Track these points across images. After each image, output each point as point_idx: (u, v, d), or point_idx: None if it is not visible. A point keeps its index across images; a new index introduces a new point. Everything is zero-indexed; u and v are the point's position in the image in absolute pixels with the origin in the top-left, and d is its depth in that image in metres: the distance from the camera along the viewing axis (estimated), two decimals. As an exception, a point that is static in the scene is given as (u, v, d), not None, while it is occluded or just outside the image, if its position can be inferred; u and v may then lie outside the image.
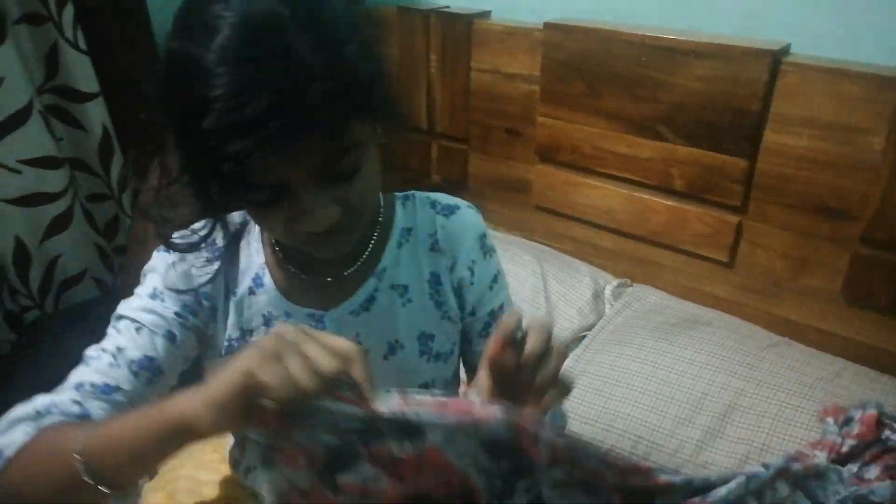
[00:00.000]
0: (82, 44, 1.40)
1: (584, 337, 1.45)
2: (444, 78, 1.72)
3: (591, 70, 1.43)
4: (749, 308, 1.44)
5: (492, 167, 1.76)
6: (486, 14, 1.65)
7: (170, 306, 0.71)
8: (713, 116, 1.31)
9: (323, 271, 0.74)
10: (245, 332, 0.75)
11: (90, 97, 1.46)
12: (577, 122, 1.50)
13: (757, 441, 1.14)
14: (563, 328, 1.47)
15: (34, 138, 1.39)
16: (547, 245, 1.72)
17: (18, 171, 1.40)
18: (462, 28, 1.62)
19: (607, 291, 1.55)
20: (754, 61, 1.23)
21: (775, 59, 1.22)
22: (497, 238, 1.70)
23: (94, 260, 1.60)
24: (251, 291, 0.75)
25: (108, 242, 1.64)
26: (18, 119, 1.36)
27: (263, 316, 0.75)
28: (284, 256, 0.74)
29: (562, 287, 1.54)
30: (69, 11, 1.37)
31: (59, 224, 1.50)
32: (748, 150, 1.30)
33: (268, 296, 0.74)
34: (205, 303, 0.74)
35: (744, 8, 1.34)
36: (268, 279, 0.75)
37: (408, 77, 1.79)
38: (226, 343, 0.76)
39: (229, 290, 0.75)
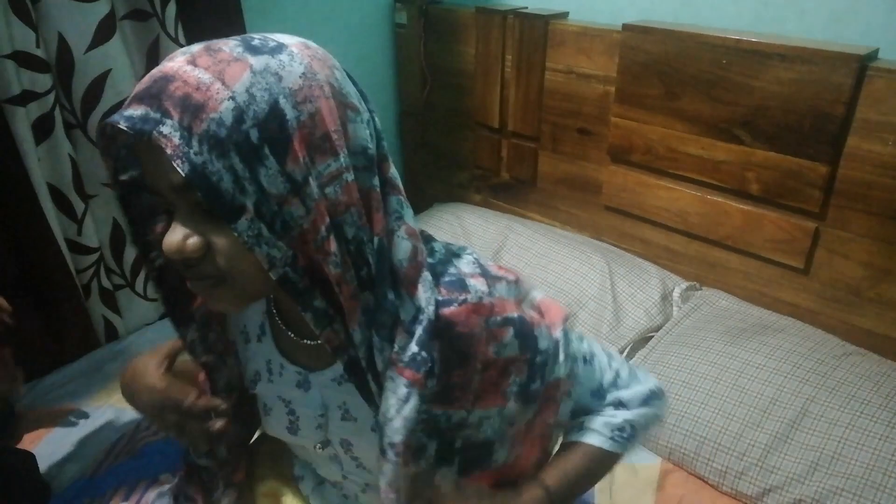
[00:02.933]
0: (182, 39, 1.49)
1: (650, 338, 1.46)
2: (518, 77, 1.75)
3: (669, 72, 1.44)
4: (824, 316, 1.41)
5: (562, 166, 1.78)
6: (563, 15, 1.67)
7: None
8: (795, 120, 1.30)
9: (309, 334, 0.73)
10: (257, 375, 0.79)
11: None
12: (652, 124, 1.51)
13: (828, 449, 1.13)
14: (630, 328, 1.48)
15: (135, 127, 1.49)
16: (615, 245, 1.73)
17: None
18: (539, 28, 1.65)
19: (676, 294, 1.55)
20: (840, 65, 1.22)
21: (862, 64, 1.20)
22: (565, 237, 1.73)
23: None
24: (258, 338, 0.79)
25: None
26: (123, 108, 1.46)
27: (267, 363, 0.78)
28: (278, 311, 0.75)
29: (630, 288, 1.55)
30: (172, 8, 1.46)
31: (152, 209, 1.60)
32: (830, 155, 1.28)
33: (269, 346, 0.78)
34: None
35: (829, 11, 1.33)
36: (268, 329, 0.78)
37: (483, 76, 1.83)
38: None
39: (248, 332, 0.79)
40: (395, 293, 0.62)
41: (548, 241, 1.70)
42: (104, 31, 1.38)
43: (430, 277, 0.64)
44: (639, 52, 1.48)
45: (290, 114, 0.55)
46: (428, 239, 0.71)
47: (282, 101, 0.54)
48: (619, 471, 1.24)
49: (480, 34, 1.79)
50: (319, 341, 0.67)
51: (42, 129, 1.36)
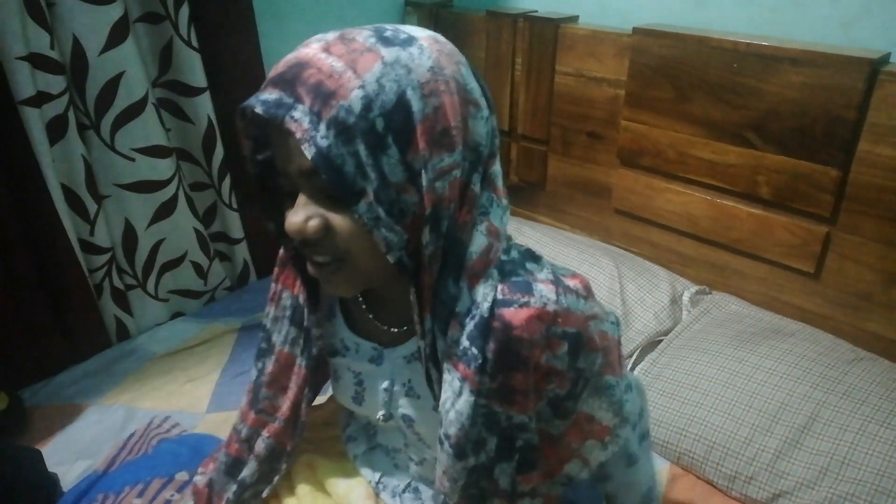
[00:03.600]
0: (195, 42, 1.51)
1: (659, 342, 1.46)
2: (528, 80, 1.75)
3: (679, 75, 1.44)
4: (835, 321, 1.41)
5: (571, 169, 1.78)
6: (573, 18, 1.67)
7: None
8: (805, 124, 1.30)
9: (390, 321, 0.78)
10: (332, 348, 0.83)
11: (198, 91, 1.56)
12: (662, 127, 1.51)
13: (838, 454, 1.13)
14: (639, 332, 1.48)
15: (148, 129, 1.50)
16: (625, 249, 1.73)
17: (133, 159, 1.51)
18: (549, 32, 1.65)
19: (685, 298, 1.55)
20: (852, 69, 1.21)
21: (874, 68, 1.20)
22: (574, 240, 1.73)
23: (192, 245, 1.71)
24: (328, 318, 0.83)
25: (206, 228, 1.75)
26: (135, 110, 1.47)
27: (341, 340, 0.82)
28: (364, 297, 0.79)
29: (639, 291, 1.55)
30: (185, 11, 1.47)
31: (164, 210, 1.61)
32: (841, 159, 1.28)
33: (340, 326, 0.82)
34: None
35: (841, 15, 1.32)
36: (337, 311, 0.82)
37: (493, 79, 1.83)
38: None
39: (318, 310, 0.81)
40: (456, 285, 0.63)
41: (557, 244, 1.70)
42: (118, 34, 1.39)
43: (496, 275, 0.64)
44: (649, 56, 1.48)
45: (415, 106, 0.57)
46: (509, 242, 0.71)
47: (409, 92, 0.57)
48: (628, 474, 1.24)
49: (490, 37, 1.80)
50: (395, 329, 0.75)
51: (56, 130, 1.38)
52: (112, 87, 1.43)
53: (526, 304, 0.63)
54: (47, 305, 1.48)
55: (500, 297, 0.63)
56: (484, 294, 0.63)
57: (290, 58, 0.59)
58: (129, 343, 1.64)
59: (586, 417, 0.72)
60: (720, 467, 1.20)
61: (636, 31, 1.49)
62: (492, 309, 0.63)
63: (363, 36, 0.59)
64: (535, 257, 0.70)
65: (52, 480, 1.19)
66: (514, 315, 0.63)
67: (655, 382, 1.34)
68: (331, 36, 0.60)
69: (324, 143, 0.55)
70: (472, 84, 0.63)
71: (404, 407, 0.79)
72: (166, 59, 1.53)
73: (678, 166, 1.52)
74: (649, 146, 1.55)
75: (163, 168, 1.56)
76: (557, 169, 1.81)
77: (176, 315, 1.77)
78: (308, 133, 0.55)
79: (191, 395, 1.44)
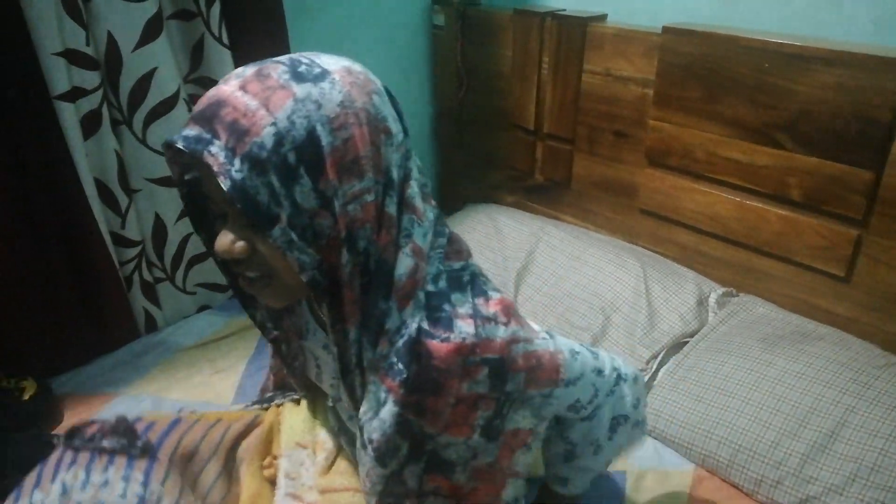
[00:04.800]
0: (225, 39, 1.52)
1: (685, 343, 1.44)
2: (555, 79, 1.75)
3: (709, 75, 1.42)
4: (865, 325, 1.38)
5: (597, 169, 1.77)
6: (601, 17, 1.66)
7: None
8: (838, 126, 1.28)
9: None
10: (301, 329, 0.92)
11: (229, 88, 1.58)
12: (690, 127, 1.50)
13: (867, 460, 1.11)
14: (665, 333, 1.47)
15: (178, 124, 1.52)
16: (651, 249, 1.71)
17: (163, 154, 1.53)
18: (577, 30, 1.65)
19: (712, 299, 1.54)
20: (886, 70, 1.19)
21: (910, 69, 1.18)
22: (599, 240, 1.72)
23: (220, 239, 1.73)
24: (306, 337, 0.91)
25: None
26: (167, 106, 1.49)
27: (306, 322, 0.90)
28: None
29: (665, 292, 1.53)
30: (216, 8, 1.49)
31: (192, 204, 1.64)
32: (875, 161, 1.26)
33: (306, 310, 0.89)
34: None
35: (875, 14, 1.30)
36: (304, 300, 0.89)
37: (519, 78, 1.83)
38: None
39: (301, 331, 0.92)
40: (386, 303, 0.68)
41: (581, 244, 1.70)
42: (151, 30, 1.42)
43: (422, 298, 0.70)
44: (678, 55, 1.46)
45: (325, 139, 0.62)
46: (441, 264, 0.74)
47: (318, 128, 0.62)
48: (650, 475, 1.24)
49: (518, 36, 1.79)
50: None
51: (90, 124, 1.40)
52: (145, 83, 1.45)
53: (447, 340, 0.68)
54: (79, 296, 1.51)
55: (425, 327, 0.69)
56: (412, 316, 0.69)
57: (210, 94, 0.64)
58: (157, 335, 1.67)
59: (512, 433, 0.77)
60: (746, 470, 1.19)
61: (666, 29, 1.48)
62: (419, 333, 0.68)
63: (278, 72, 0.63)
64: (461, 286, 0.73)
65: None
66: (437, 347, 0.68)
67: (680, 384, 1.33)
68: (249, 72, 0.64)
69: (238, 175, 0.60)
70: (385, 112, 0.67)
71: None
72: (197, 56, 1.55)
73: (706, 166, 1.50)
74: (677, 146, 1.54)
75: (192, 163, 1.58)
76: (583, 168, 1.80)
77: (202, 308, 1.79)
78: (224, 167, 0.60)
79: (216, 386, 1.46)
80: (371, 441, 0.72)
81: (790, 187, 1.39)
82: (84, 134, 1.39)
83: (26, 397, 1.32)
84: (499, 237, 1.80)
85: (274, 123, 0.60)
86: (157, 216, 1.61)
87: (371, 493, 0.77)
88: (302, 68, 0.64)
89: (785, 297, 1.50)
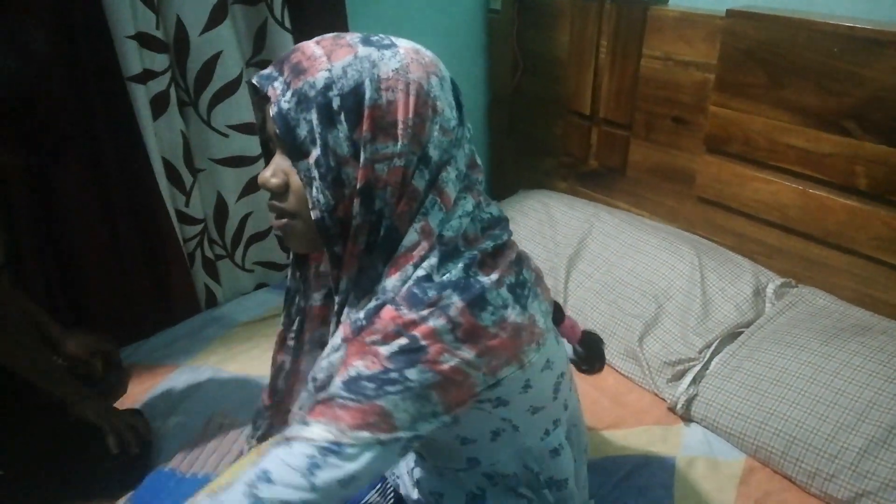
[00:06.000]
0: (287, 23, 1.56)
1: (740, 333, 1.42)
2: (612, 64, 1.73)
3: (774, 60, 1.39)
4: (932, 320, 1.34)
5: (653, 155, 1.75)
6: (663, 1, 1.63)
7: None
8: (911, 113, 1.23)
9: None
10: None
11: (289, 71, 1.62)
12: (753, 113, 1.46)
13: (930, 458, 1.08)
14: (719, 322, 1.44)
15: (241, 107, 1.57)
16: (707, 238, 1.69)
17: (226, 135, 1.59)
18: (637, 14, 1.62)
19: (769, 290, 1.50)
20: (966, 54, 1.14)
21: None
22: (654, 227, 1.70)
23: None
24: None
25: (289, 204, 1.82)
26: (230, 89, 1.54)
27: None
28: None
29: (721, 282, 1.51)
30: (280, -7, 1.53)
31: (252, 185, 1.68)
32: (949, 150, 1.21)
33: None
34: None
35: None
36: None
37: (576, 63, 1.82)
38: None
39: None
40: (382, 268, 0.71)
41: (636, 231, 1.68)
42: (217, 15, 1.46)
43: (412, 274, 0.70)
44: (742, 39, 1.43)
45: (369, 94, 0.67)
46: (483, 263, 0.73)
47: (367, 83, 0.67)
48: (699, 464, 1.23)
49: (575, 20, 1.78)
50: None
51: (159, 105, 1.46)
52: (210, 66, 1.50)
53: (400, 310, 0.68)
54: (147, 271, 1.58)
55: (398, 298, 0.69)
56: (393, 286, 0.70)
57: (294, 46, 0.72)
58: (217, 310, 1.74)
59: (377, 409, 0.68)
60: (800, 463, 1.17)
61: (730, 13, 1.44)
62: (390, 302, 0.69)
63: (351, 35, 0.71)
64: (463, 289, 0.69)
65: (149, 442, 1.27)
66: (388, 311, 0.68)
67: (734, 374, 1.32)
68: (329, 35, 0.72)
69: (285, 106, 0.67)
70: (438, 93, 0.71)
71: None
72: (260, 40, 1.59)
73: (768, 154, 1.47)
74: (738, 133, 1.50)
75: (253, 145, 1.63)
76: (639, 154, 1.78)
77: (260, 286, 1.85)
78: (277, 97, 0.67)
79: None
80: (315, 380, 0.75)
81: (857, 176, 1.34)
82: (153, 115, 1.45)
83: (100, 370, 1.39)
84: (551, 223, 1.80)
85: (329, 70, 0.67)
86: (220, 195, 1.67)
87: (299, 421, 0.73)
88: (375, 38, 0.71)
89: (846, 289, 1.46)
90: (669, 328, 1.47)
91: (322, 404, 0.69)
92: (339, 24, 1.63)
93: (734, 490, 1.18)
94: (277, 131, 0.68)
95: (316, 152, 0.67)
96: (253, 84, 0.72)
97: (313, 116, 0.67)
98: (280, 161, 0.73)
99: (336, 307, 0.75)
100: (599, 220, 1.75)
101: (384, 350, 0.67)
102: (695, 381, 1.36)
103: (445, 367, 0.67)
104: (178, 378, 1.48)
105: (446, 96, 0.72)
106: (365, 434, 0.66)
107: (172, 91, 1.47)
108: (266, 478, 0.66)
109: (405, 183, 0.69)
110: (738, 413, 1.26)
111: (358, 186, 0.68)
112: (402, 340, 0.67)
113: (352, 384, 0.68)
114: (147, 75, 1.41)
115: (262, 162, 1.66)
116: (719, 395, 1.30)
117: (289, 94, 0.67)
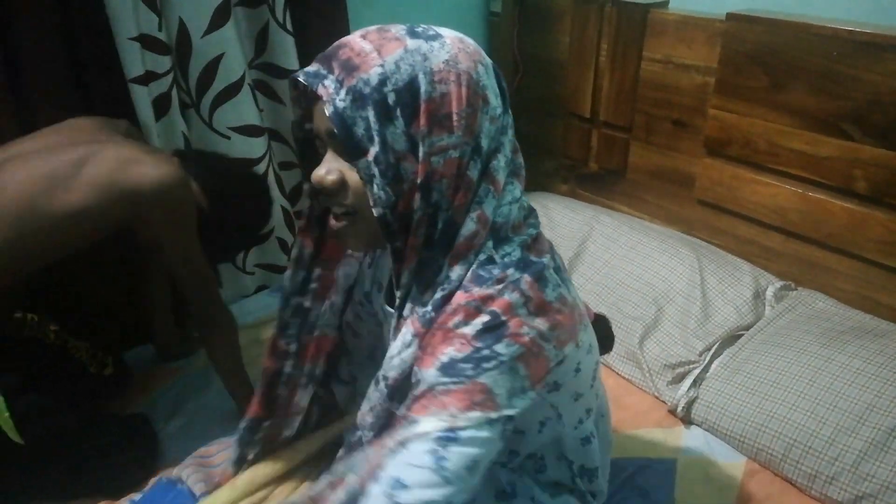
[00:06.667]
0: (289, 25, 1.56)
1: (740, 336, 1.43)
2: (613, 66, 1.73)
3: (774, 63, 1.39)
4: (931, 323, 1.34)
5: (653, 158, 1.75)
6: (663, 3, 1.64)
7: None
8: (910, 116, 1.24)
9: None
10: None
11: (291, 74, 1.62)
12: (753, 116, 1.47)
13: (929, 461, 1.08)
14: (719, 325, 1.45)
15: (243, 109, 1.57)
16: (707, 241, 1.69)
17: (228, 137, 1.59)
18: (638, 17, 1.63)
19: (769, 293, 1.51)
20: (966, 59, 1.15)
21: None
22: (654, 230, 1.71)
23: (279, 221, 1.78)
24: (378, 290, 0.96)
25: (292, 206, 1.82)
26: (232, 91, 1.54)
27: (382, 310, 0.93)
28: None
29: (720, 284, 1.51)
30: (281, -5, 1.53)
31: (253, 186, 1.68)
32: (948, 154, 1.21)
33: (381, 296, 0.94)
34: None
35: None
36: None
37: (576, 65, 1.82)
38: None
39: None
40: (442, 260, 0.72)
41: (636, 234, 1.69)
42: (219, 17, 1.46)
43: (472, 259, 0.71)
44: (743, 43, 1.44)
45: (424, 88, 0.67)
46: (530, 247, 0.75)
47: (420, 77, 0.67)
48: (700, 466, 1.23)
49: (576, 22, 1.78)
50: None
51: (160, 107, 1.46)
52: (212, 68, 1.50)
53: (470, 291, 0.70)
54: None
55: (465, 282, 0.71)
56: (459, 275, 0.71)
57: (336, 42, 0.71)
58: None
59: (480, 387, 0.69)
60: (800, 465, 1.17)
61: (730, 16, 1.45)
62: (457, 287, 0.71)
63: (396, 28, 0.71)
64: (524, 266, 0.72)
65: (153, 446, 1.28)
66: (459, 296, 0.71)
67: (734, 377, 1.32)
68: (371, 27, 0.71)
69: (341, 105, 0.67)
70: (486, 82, 0.71)
71: None
72: (262, 42, 1.59)
73: (768, 157, 1.47)
74: (738, 136, 1.51)
75: (255, 147, 1.63)
76: (639, 157, 1.78)
77: (260, 288, 1.85)
78: (331, 96, 0.67)
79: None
80: (386, 378, 0.76)
81: (856, 179, 1.35)
82: (155, 116, 1.45)
83: (107, 372, 1.38)
84: (551, 225, 1.80)
85: (382, 65, 0.67)
86: (221, 197, 1.67)
87: (363, 426, 0.80)
88: (419, 29, 0.71)
89: (846, 292, 1.46)
90: (669, 331, 1.47)
91: (422, 398, 0.69)
92: (340, 26, 1.64)
93: (734, 492, 1.19)
94: (336, 130, 0.67)
95: (374, 149, 0.67)
96: (296, 82, 0.71)
97: (370, 113, 0.66)
98: (332, 159, 0.72)
99: (398, 301, 0.75)
100: (599, 222, 1.76)
101: (468, 331, 0.68)
102: (695, 383, 1.36)
103: (526, 339, 0.69)
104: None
105: (492, 84, 0.72)
106: (476, 413, 0.67)
107: (174, 93, 1.47)
108: (400, 485, 0.65)
109: (460, 174, 0.70)
110: (738, 416, 1.26)
111: (418, 181, 0.68)
112: (484, 318, 0.68)
113: (448, 369, 0.68)
114: (149, 77, 1.41)
115: (263, 163, 1.66)
116: (719, 398, 1.30)
117: (343, 92, 0.66)
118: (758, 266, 1.58)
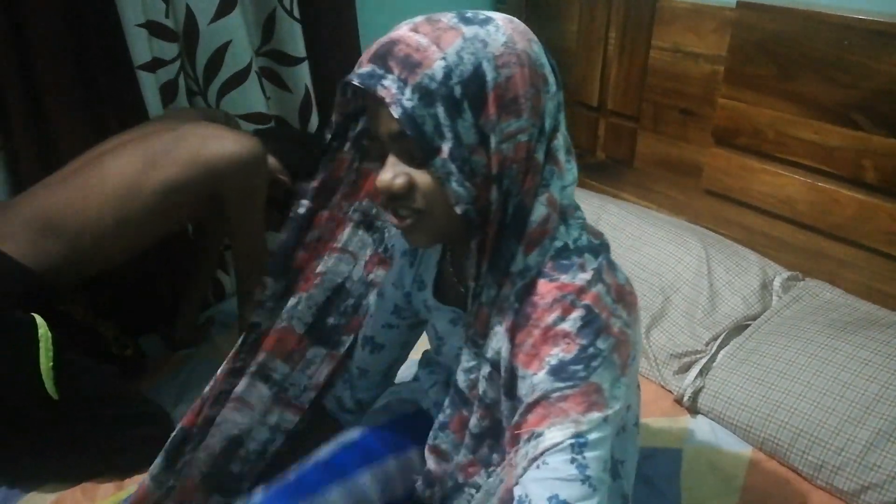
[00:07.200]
0: (297, 12, 1.56)
1: (747, 326, 1.42)
2: (621, 55, 1.72)
3: (784, 52, 1.38)
4: (939, 314, 1.34)
5: (661, 147, 1.74)
6: (672, -8, 1.63)
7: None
8: (921, 106, 1.23)
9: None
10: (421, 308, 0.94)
11: (298, 61, 1.61)
12: (762, 106, 1.46)
13: (936, 451, 1.08)
14: (726, 315, 1.45)
15: (250, 96, 1.57)
16: (714, 231, 1.69)
17: (242, 124, 1.59)
18: (647, 5, 1.62)
19: (776, 283, 1.50)
20: (978, 48, 1.14)
21: None
22: (661, 219, 1.70)
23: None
24: (420, 288, 0.93)
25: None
26: (240, 78, 1.54)
27: (426, 306, 0.92)
28: (452, 257, 0.87)
29: (727, 274, 1.51)
30: (289, -19, 1.53)
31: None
32: (959, 144, 1.21)
33: (427, 294, 0.91)
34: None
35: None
36: (427, 282, 0.91)
37: (584, 54, 1.81)
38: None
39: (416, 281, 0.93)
40: (516, 247, 0.70)
41: (643, 223, 1.68)
42: (227, 4, 1.46)
43: (548, 246, 0.71)
44: (752, 31, 1.43)
45: (489, 75, 0.65)
46: (582, 227, 0.75)
47: (485, 64, 0.65)
48: (706, 456, 1.24)
49: (584, 10, 1.77)
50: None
51: (167, 94, 1.46)
52: (220, 55, 1.50)
53: (556, 280, 0.70)
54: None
55: (546, 269, 0.70)
56: (537, 262, 0.70)
57: (383, 38, 0.67)
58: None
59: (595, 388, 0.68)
60: (806, 455, 1.17)
61: (740, 4, 1.44)
62: (538, 275, 0.70)
63: (447, 17, 0.67)
64: (595, 251, 0.73)
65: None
66: (543, 284, 0.70)
67: (741, 367, 1.32)
68: (419, 19, 0.68)
69: (408, 104, 0.63)
70: (543, 60, 0.69)
71: None
72: (269, 29, 1.59)
73: (777, 147, 1.47)
74: (747, 125, 1.50)
75: (262, 134, 1.63)
76: (647, 146, 1.78)
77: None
78: (395, 97, 0.63)
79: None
80: (472, 376, 0.77)
81: (866, 170, 1.34)
82: (162, 103, 1.45)
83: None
84: (558, 214, 1.80)
85: (444, 58, 0.64)
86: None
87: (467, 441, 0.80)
88: (469, 14, 0.68)
89: (854, 283, 1.46)
90: (676, 320, 1.47)
91: (537, 406, 0.68)
92: (347, 14, 1.63)
93: (740, 482, 1.19)
94: (408, 132, 0.64)
95: (447, 146, 0.65)
96: (348, 85, 0.68)
97: (438, 110, 0.64)
98: (395, 162, 0.69)
99: (472, 292, 0.73)
100: (606, 211, 1.75)
101: (569, 327, 0.68)
102: (701, 373, 1.36)
103: (616, 329, 0.69)
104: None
105: (547, 61, 0.71)
106: (595, 415, 0.66)
107: (181, 80, 1.48)
108: (559, 501, 0.64)
109: (529, 157, 0.68)
110: (744, 405, 1.26)
111: (494, 171, 0.66)
112: (580, 312, 0.68)
113: (560, 372, 0.67)
114: (156, 64, 1.41)
115: (270, 152, 1.66)
116: (726, 388, 1.31)
117: (408, 90, 0.63)
118: (765, 256, 1.58)
